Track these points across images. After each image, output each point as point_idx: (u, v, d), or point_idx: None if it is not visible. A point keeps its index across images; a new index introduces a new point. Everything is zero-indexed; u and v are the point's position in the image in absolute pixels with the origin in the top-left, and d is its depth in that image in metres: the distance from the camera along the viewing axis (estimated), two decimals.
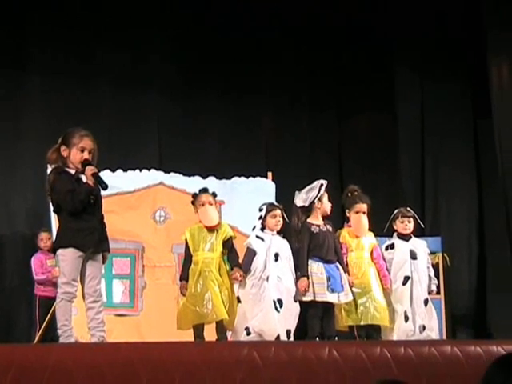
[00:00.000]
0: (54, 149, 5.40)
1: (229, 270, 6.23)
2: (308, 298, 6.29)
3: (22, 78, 9.20)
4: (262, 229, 6.53)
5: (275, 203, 6.78)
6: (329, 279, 6.29)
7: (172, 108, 9.66)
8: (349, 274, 6.52)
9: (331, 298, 6.28)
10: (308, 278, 6.29)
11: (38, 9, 9.21)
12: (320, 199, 6.57)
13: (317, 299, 6.27)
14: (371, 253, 6.74)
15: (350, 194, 6.94)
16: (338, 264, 6.42)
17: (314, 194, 6.58)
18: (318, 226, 6.50)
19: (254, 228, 6.62)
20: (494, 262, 9.93)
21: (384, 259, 6.84)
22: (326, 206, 6.59)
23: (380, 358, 4.40)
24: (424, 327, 6.71)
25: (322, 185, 6.59)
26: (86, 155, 5.32)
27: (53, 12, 9.18)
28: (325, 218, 6.61)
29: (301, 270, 6.35)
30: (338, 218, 7.40)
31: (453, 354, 4.55)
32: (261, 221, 6.54)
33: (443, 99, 10.31)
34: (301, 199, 6.62)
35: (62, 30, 9.20)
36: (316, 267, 6.34)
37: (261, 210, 6.58)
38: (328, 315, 6.35)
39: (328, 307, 6.33)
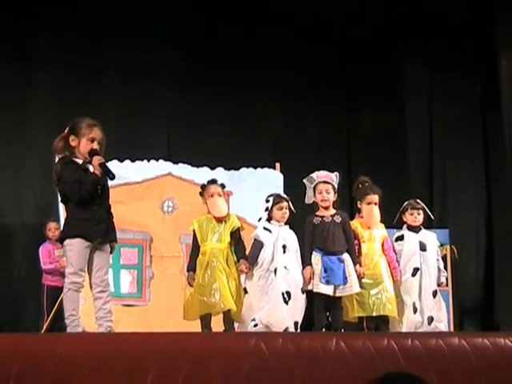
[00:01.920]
0: (61, 137, 5.39)
1: (236, 262, 6.24)
2: (309, 287, 6.28)
3: (30, 69, 9.24)
4: (269, 220, 6.52)
5: (282, 195, 6.75)
6: (325, 271, 6.24)
7: (181, 99, 9.68)
8: (360, 265, 6.49)
9: (325, 289, 6.22)
10: (312, 267, 6.28)
11: (46, 1, 9.21)
12: (314, 192, 6.55)
13: (314, 290, 6.26)
14: (382, 244, 6.72)
15: (360, 185, 6.90)
16: (343, 256, 6.35)
17: (309, 192, 6.58)
18: (322, 217, 6.46)
19: (259, 219, 6.61)
20: (502, 254, 9.92)
21: (394, 251, 6.83)
22: (318, 197, 6.54)
23: (387, 350, 4.39)
24: (432, 319, 6.70)
25: (311, 177, 6.58)
26: (95, 145, 5.32)
27: (61, 4, 9.19)
28: (332, 208, 6.55)
29: (304, 260, 6.35)
30: (347, 210, 7.37)
31: (460, 346, 4.53)
32: (267, 212, 6.53)
33: (451, 92, 10.29)
34: (307, 198, 6.63)
35: (70, 22, 9.24)
36: (313, 258, 6.32)
37: (267, 201, 6.55)
38: (334, 307, 6.33)
39: (334, 299, 6.30)
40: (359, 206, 6.83)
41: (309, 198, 6.60)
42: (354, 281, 6.32)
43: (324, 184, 6.52)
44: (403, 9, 9.96)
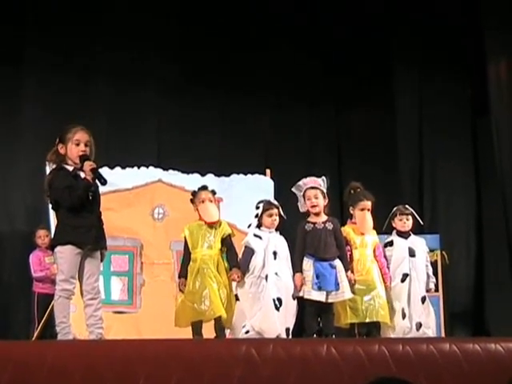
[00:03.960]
0: (53, 151, 5.44)
1: (227, 269, 6.23)
2: (300, 293, 6.28)
3: (21, 75, 9.22)
4: (259, 226, 6.51)
5: (272, 201, 6.73)
6: (317, 277, 6.22)
7: (171, 105, 9.67)
8: (352, 272, 6.49)
9: (316, 296, 6.20)
10: (302, 274, 6.27)
11: (37, 5, 9.22)
12: (304, 200, 6.54)
13: (304, 296, 6.25)
14: (374, 250, 6.72)
15: (352, 191, 6.88)
16: (334, 262, 6.33)
17: (301, 200, 6.57)
18: (314, 223, 6.44)
19: (249, 226, 6.60)
20: (492, 259, 9.93)
21: (385, 257, 6.83)
22: (307, 203, 6.52)
23: (378, 356, 4.39)
24: (420, 325, 6.70)
25: (298, 185, 6.57)
26: (82, 148, 5.35)
27: (52, 8, 9.19)
28: (324, 215, 6.53)
29: (294, 267, 6.35)
30: (337, 214, 7.36)
31: (451, 351, 4.54)
32: (257, 219, 6.52)
33: (442, 97, 10.31)
34: (300, 206, 6.61)
35: (60, 27, 9.21)
36: (305, 264, 6.30)
37: (257, 207, 6.54)
38: (325, 313, 6.32)
39: (325, 305, 6.30)
40: (352, 211, 6.82)
41: (302, 207, 6.60)
42: (346, 287, 6.31)
43: (312, 190, 6.50)
44: (394, 12, 9.99)
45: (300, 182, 6.57)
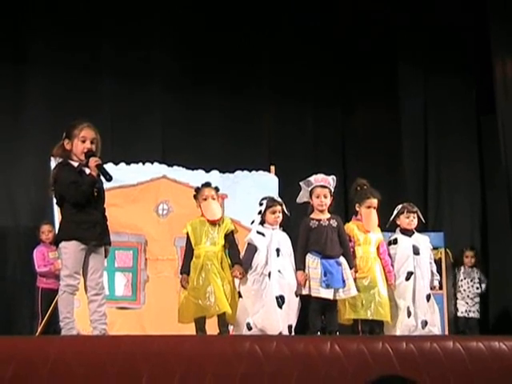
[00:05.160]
0: (59, 145, 5.44)
1: (230, 266, 6.22)
2: (304, 291, 6.27)
3: (25, 70, 9.20)
4: (262, 223, 6.50)
5: (276, 198, 6.69)
6: (325, 274, 6.22)
7: (175, 101, 9.66)
8: (355, 268, 6.49)
9: (325, 293, 6.20)
10: (304, 271, 6.27)
11: (41, 2, 9.20)
12: (311, 195, 6.52)
13: (312, 294, 6.23)
14: (377, 248, 6.69)
15: (359, 188, 6.86)
16: (339, 259, 6.33)
17: (303, 193, 6.56)
18: (319, 220, 6.43)
19: (252, 222, 6.59)
20: (497, 257, 9.93)
21: (390, 255, 6.80)
22: (315, 201, 6.52)
23: (382, 353, 4.39)
24: (426, 322, 6.69)
25: (308, 181, 6.55)
26: (87, 145, 5.35)
27: (55, 4, 9.18)
28: (327, 212, 6.52)
29: (297, 264, 6.34)
30: (340, 211, 7.35)
31: (454, 349, 4.54)
32: (260, 215, 6.51)
33: (447, 95, 10.32)
34: (299, 197, 6.60)
35: (65, 23, 9.20)
36: (312, 261, 6.28)
37: (261, 204, 6.53)
38: (330, 310, 6.31)
39: (330, 302, 6.29)
40: (357, 208, 6.80)
41: (300, 198, 6.58)
42: (352, 284, 6.31)
43: (322, 188, 6.47)
44: (398, 12, 9.98)
45: (311, 178, 6.53)
